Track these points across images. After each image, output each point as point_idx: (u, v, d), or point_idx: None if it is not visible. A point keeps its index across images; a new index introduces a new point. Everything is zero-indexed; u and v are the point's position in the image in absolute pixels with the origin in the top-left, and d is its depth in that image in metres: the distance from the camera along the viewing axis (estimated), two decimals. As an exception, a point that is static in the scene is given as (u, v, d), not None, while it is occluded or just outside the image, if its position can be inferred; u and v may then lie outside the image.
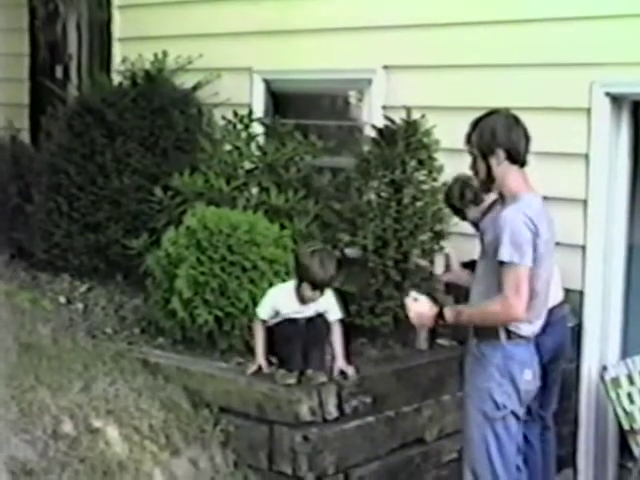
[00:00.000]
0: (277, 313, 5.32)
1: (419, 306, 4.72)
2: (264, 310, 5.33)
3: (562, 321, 5.56)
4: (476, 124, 4.62)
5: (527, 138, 4.59)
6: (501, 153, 4.51)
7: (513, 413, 4.60)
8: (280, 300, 5.30)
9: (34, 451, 4.68)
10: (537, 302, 4.53)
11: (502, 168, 4.53)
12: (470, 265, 5.51)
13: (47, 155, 7.24)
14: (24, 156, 7.82)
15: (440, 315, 4.66)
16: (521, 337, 4.57)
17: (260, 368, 5.28)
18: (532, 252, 4.43)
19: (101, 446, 4.89)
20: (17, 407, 4.84)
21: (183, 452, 5.13)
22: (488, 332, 4.56)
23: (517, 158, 4.54)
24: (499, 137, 4.51)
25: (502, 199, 4.63)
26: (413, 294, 4.79)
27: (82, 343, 5.81)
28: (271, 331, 5.35)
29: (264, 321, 5.35)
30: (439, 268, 5.13)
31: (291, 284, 5.33)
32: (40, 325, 6.03)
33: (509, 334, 4.53)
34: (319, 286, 5.20)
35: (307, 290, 5.20)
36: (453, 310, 4.68)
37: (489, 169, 4.56)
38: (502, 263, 4.43)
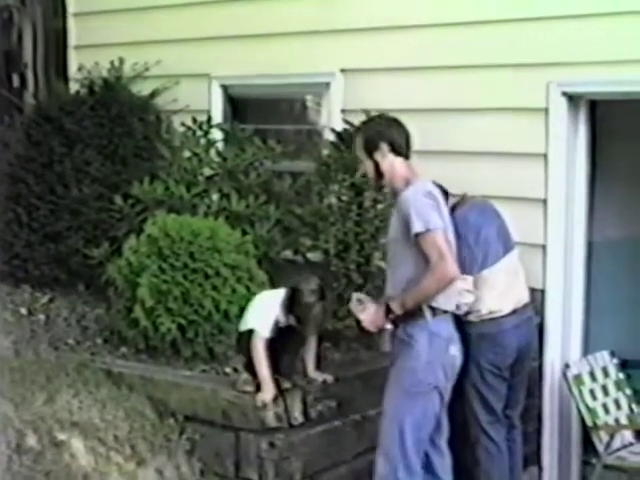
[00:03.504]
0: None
1: (367, 313, 4.86)
2: (267, 328, 5.08)
3: (528, 322, 5.58)
4: (358, 129, 5.02)
5: (407, 135, 4.89)
6: (384, 146, 4.78)
7: (437, 389, 4.71)
8: (275, 312, 5.14)
9: (-2, 466, 4.65)
10: None
11: (388, 161, 4.79)
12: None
13: (5, 165, 7.18)
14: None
15: (389, 311, 4.77)
16: (445, 312, 4.73)
17: (275, 396, 5.06)
18: (439, 217, 4.63)
19: (66, 459, 4.86)
20: (-21, 422, 4.81)
21: (149, 462, 5.10)
22: (414, 313, 4.68)
23: (400, 150, 4.81)
24: (381, 132, 4.83)
25: (394, 194, 4.84)
26: (355, 295, 4.91)
27: (44, 355, 5.77)
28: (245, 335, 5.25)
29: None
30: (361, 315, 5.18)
31: (277, 298, 5.17)
32: (1, 337, 5.99)
33: (433, 311, 4.68)
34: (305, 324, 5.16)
35: (292, 320, 5.16)
36: (398, 301, 4.75)
37: (377, 165, 4.80)
38: (418, 236, 4.59)
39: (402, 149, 4.81)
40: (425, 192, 4.69)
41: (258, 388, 5.12)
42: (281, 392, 5.11)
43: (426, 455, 4.85)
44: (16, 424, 4.88)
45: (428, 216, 4.59)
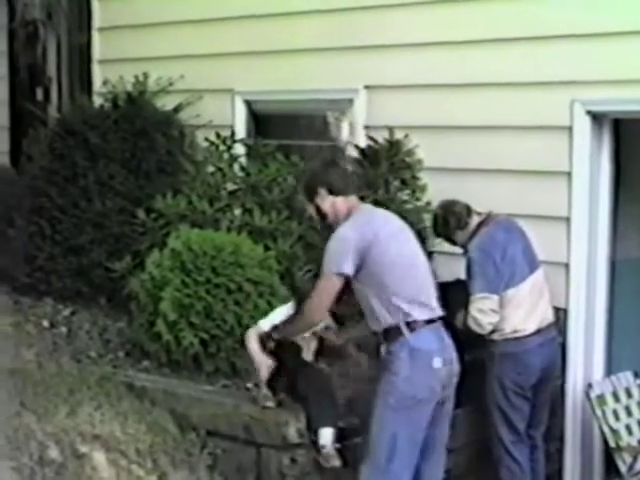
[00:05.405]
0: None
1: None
2: (268, 323, 5.22)
3: (552, 342, 5.58)
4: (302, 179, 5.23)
5: (346, 174, 5.14)
6: (322, 191, 4.91)
7: (421, 402, 4.68)
8: (283, 314, 5.25)
9: (20, 478, 4.65)
10: (414, 287, 4.76)
11: (328, 202, 4.91)
12: (455, 285, 5.53)
13: (29, 178, 7.19)
14: (5, 179, 7.78)
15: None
16: (425, 323, 4.71)
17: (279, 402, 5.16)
18: (354, 259, 4.67)
19: (88, 471, 4.86)
20: (2, 433, 4.81)
21: (170, 476, 5.09)
22: (392, 332, 4.72)
23: (338, 191, 4.91)
24: (318, 178, 4.98)
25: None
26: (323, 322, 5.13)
27: (67, 367, 5.76)
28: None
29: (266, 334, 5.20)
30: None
31: (286, 309, 5.29)
32: (24, 350, 6.00)
33: (409, 325, 4.68)
34: None
35: None
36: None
37: (318, 208, 4.95)
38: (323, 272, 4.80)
39: (340, 190, 4.90)
40: (351, 231, 4.74)
41: (279, 404, 5.12)
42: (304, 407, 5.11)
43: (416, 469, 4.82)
44: (39, 436, 4.88)
45: (334, 260, 4.71)
